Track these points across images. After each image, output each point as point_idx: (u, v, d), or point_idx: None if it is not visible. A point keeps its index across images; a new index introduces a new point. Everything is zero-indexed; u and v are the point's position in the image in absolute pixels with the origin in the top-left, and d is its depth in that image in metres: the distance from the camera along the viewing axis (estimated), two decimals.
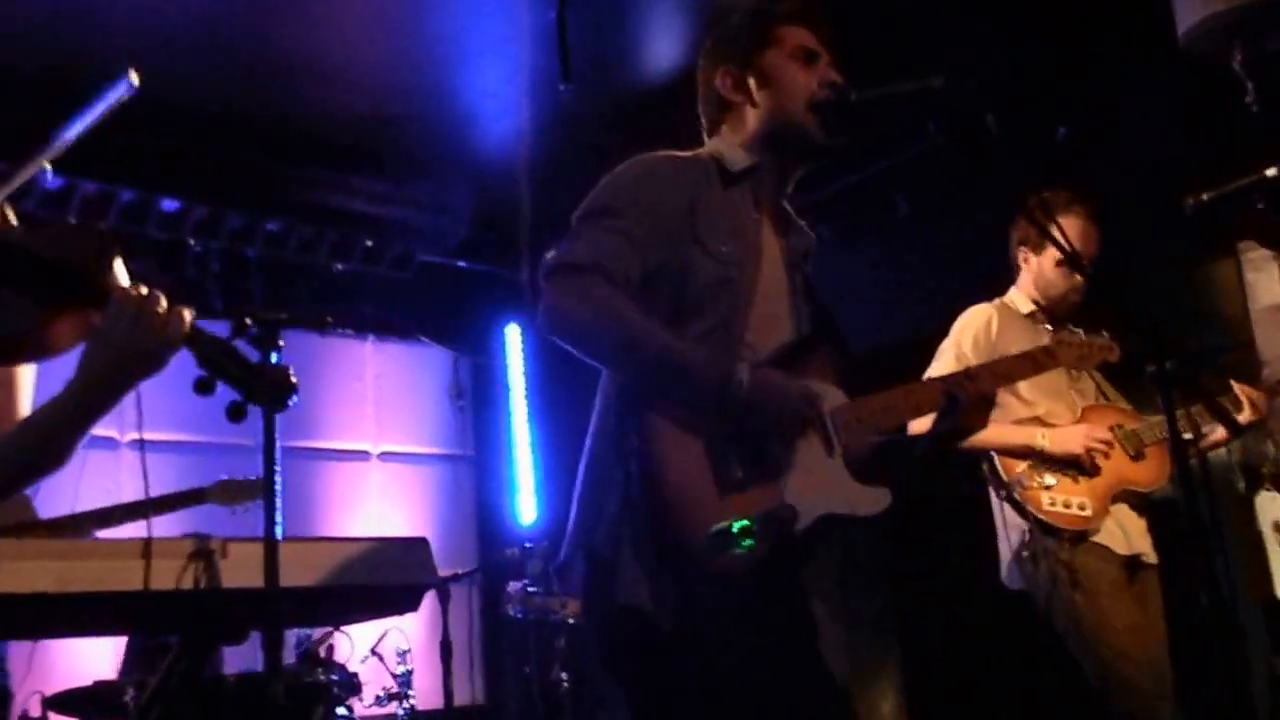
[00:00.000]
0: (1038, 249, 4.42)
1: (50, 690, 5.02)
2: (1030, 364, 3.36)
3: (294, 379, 2.20)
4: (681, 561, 2.48)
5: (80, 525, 4.37)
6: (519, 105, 7.12)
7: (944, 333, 4.49)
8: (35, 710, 5.16)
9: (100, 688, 4.84)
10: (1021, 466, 4.14)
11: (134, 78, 2.73)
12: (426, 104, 7.21)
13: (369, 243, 8.46)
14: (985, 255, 4.89)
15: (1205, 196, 3.87)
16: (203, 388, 2.16)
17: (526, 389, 9.34)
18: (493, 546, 8.55)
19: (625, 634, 2.61)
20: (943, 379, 2.92)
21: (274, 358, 2.19)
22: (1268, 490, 5.86)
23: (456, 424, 9.40)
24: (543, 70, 6.27)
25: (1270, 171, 3.72)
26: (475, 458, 9.43)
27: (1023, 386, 4.22)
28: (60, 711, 5.06)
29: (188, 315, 2.16)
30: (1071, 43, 5.89)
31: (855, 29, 3.11)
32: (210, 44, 6.35)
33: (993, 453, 4.20)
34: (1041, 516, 4.07)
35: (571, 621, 6.02)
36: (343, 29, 6.45)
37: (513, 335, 9.48)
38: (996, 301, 4.51)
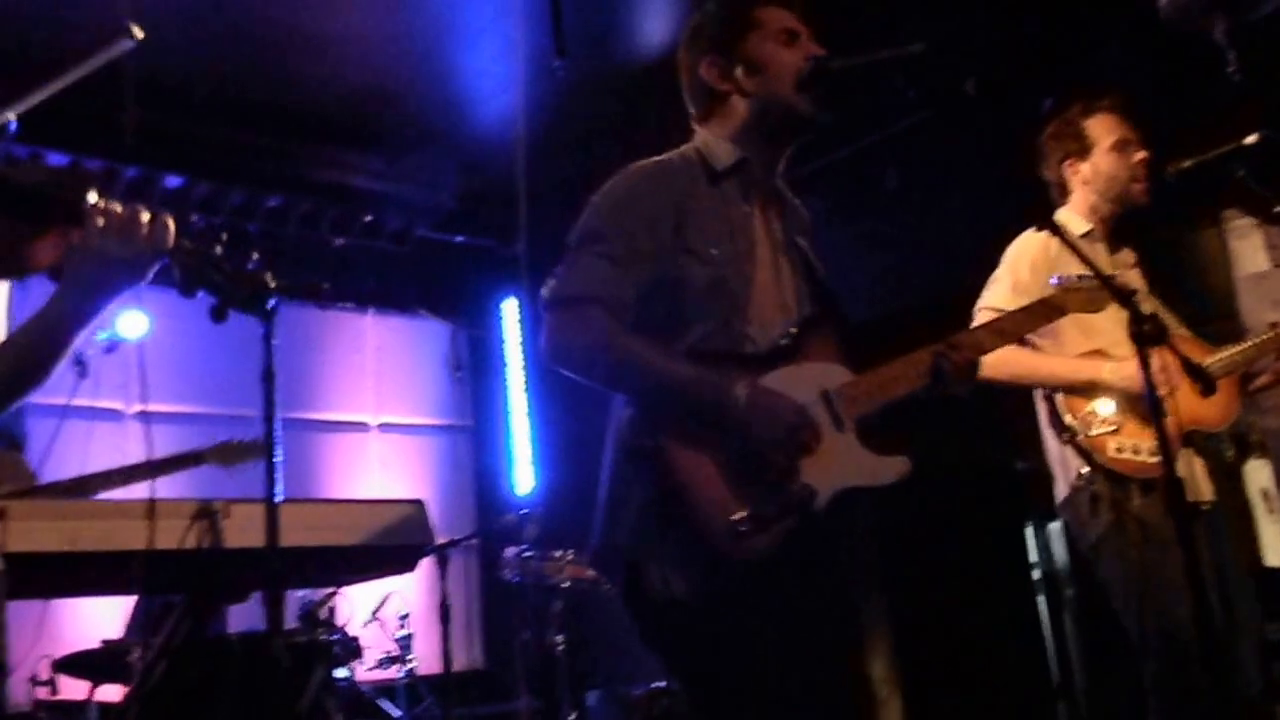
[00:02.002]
0: (1083, 153, 4.14)
1: (59, 654, 5.10)
2: (1032, 319, 3.26)
3: (271, 283, 2.30)
4: (706, 553, 2.55)
5: (84, 487, 4.45)
6: (514, 81, 7.17)
7: (936, 303, 4.31)
8: (44, 674, 5.27)
9: (107, 648, 4.91)
10: (1086, 408, 3.84)
11: (137, 31, 2.77)
12: (424, 80, 7.28)
13: (368, 218, 8.56)
14: (974, 227, 4.86)
15: (1186, 164, 3.91)
16: (185, 291, 2.26)
17: (523, 361, 9.44)
18: (491, 514, 8.64)
19: (663, 624, 2.67)
20: (930, 350, 2.87)
21: (250, 265, 2.29)
22: (1256, 458, 5.91)
23: (455, 395, 9.50)
24: (537, 46, 6.32)
25: (1250, 139, 3.78)
26: (473, 428, 9.56)
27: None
28: (69, 674, 5.14)
29: (170, 224, 2.25)
30: (1053, 14, 5.93)
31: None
32: (212, 23, 6.41)
33: (1055, 393, 3.92)
34: (1109, 465, 3.78)
35: (566, 585, 6.08)
36: (341, 7, 6.52)
37: (510, 308, 9.57)
38: None
